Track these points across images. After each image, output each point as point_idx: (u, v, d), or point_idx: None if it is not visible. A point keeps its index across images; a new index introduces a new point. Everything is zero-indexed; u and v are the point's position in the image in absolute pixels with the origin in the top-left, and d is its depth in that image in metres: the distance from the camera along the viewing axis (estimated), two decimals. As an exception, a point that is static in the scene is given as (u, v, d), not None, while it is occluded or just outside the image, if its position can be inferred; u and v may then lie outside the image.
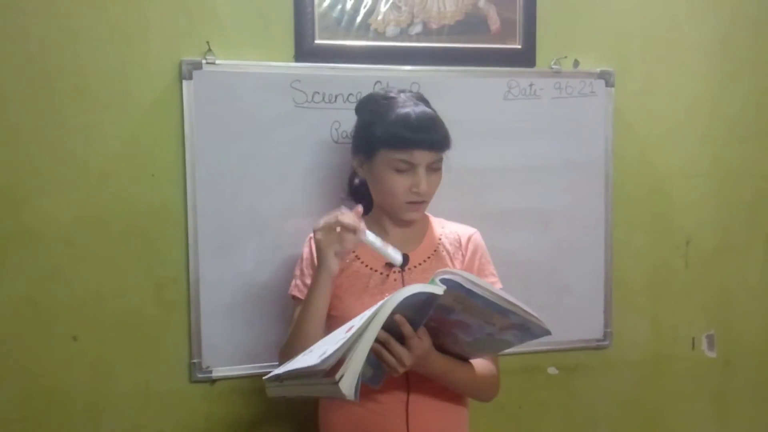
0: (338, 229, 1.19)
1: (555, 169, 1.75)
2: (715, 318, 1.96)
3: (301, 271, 1.38)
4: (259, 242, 1.57)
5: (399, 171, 1.28)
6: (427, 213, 1.42)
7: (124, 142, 1.52)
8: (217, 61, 1.52)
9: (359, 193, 1.44)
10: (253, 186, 1.56)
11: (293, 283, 1.38)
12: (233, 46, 1.55)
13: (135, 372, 1.56)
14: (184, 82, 1.51)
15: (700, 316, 1.95)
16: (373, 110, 1.33)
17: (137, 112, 1.52)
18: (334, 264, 1.20)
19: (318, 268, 1.23)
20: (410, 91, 1.39)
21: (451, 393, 1.30)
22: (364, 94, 1.58)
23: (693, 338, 1.95)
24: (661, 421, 1.94)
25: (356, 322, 1.03)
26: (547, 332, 1.14)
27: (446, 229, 1.43)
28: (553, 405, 1.85)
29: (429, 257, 1.36)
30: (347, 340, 0.97)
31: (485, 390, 1.34)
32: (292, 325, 1.30)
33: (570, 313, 1.78)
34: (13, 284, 1.48)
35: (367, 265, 1.34)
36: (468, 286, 1.06)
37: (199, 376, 1.57)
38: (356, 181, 1.45)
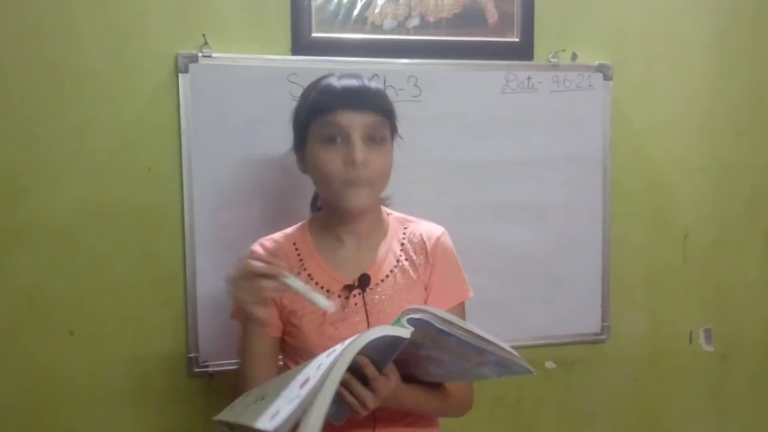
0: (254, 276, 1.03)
1: (553, 162, 1.74)
2: (713, 312, 1.96)
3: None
4: (255, 236, 1.55)
5: (329, 141, 1.13)
6: (389, 212, 1.31)
7: (121, 136, 1.51)
8: (213, 55, 1.51)
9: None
10: (249, 180, 1.56)
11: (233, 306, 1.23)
12: (230, 39, 1.54)
13: (132, 367, 1.56)
14: (180, 76, 1.50)
15: (698, 310, 1.95)
16: (302, 95, 1.22)
17: (133, 106, 1.51)
18: (261, 314, 1.04)
19: (245, 319, 1.13)
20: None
21: (420, 419, 1.20)
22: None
23: (690, 332, 1.95)
24: (659, 415, 1.94)
25: (311, 372, 0.92)
26: (528, 371, 1.03)
27: (409, 231, 1.27)
28: (551, 399, 1.86)
29: (391, 271, 1.21)
30: (303, 400, 0.87)
31: (457, 410, 1.24)
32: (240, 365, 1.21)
33: (568, 307, 1.79)
34: (9, 279, 1.48)
35: (322, 287, 1.19)
36: (439, 325, 0.95)
37: (197, 370, 1.57)
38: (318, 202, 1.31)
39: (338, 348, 0.93)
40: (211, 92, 1.52)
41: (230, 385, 1.28)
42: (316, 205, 1.33)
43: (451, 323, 0.95)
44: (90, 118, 1.49)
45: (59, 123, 1.48)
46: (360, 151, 1.11)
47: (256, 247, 1.26)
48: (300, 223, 1.31)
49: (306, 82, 1.52)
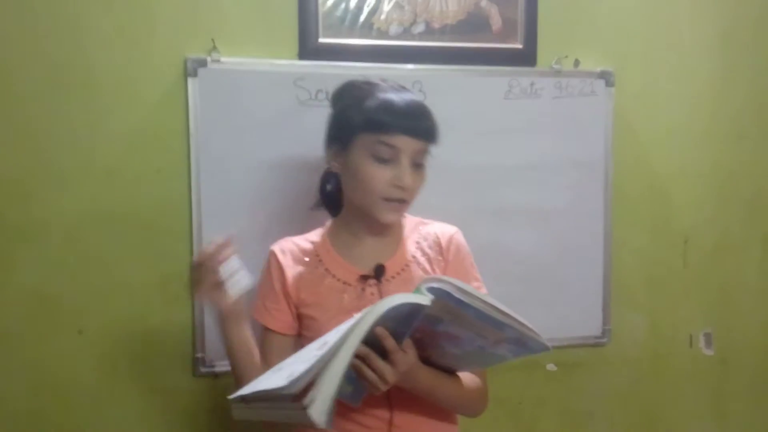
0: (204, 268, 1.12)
1: (555, 168, 1.76)
2: (713, 316, 1.98)
3: (262, 293, 1.27)
4: (262, 239, 1.57)
5: (379, 160, 1.14)
6: (404, 214, 1.31)
7: (130, 138, 1.53)
8: (221, 59, 1.53)
9: (331, 201, 1.32)
10: (256, 183, 1.58)
11: (255, 303, 1.28)
12: (238, 43, 1.57)
13: (140, 366, 1.58)
14: (189, 80, 1.53)
15: (698, 314, 1.97)
16: (353, 95, 1.21)
17: (143, 109, 1.53)
18: (218, 305, 1.14)
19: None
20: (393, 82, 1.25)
21: (438, 410, 1.19)
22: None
23: (691, 336, 1.97)
24: (659, 418, 1.96)
25: (331, 338, 0.91)
26: (546, 348, 1.03)
27: (424, 230, 1.30)
28: (552, 401, 1.87)
29: (407, 265, 1.24)
30: (319, 360, 0.86)
31: (473, 405, 1.23)
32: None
33: (569, 311, 1.80)
34: (19, 278, 1.50)
35: (339, 279, 1.22)
36: (458, 295, 0.95)
37: (203, 370, 1.59)
38: (328, 186, 1.31)
39: (357, 315, 0.92)
40: (220, 96, 1.54)
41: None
42: (324, 189, 1.32)
43: (470, 294, 0.95)
44: (100, 120, 1.51)
45: (69, 125, 1.50)
46: (408, 176, 1.15)
47: (274, 248, 1.30)
48: (318, 229, 1.33)
49: (312, 87, 1.58)
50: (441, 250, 1.27)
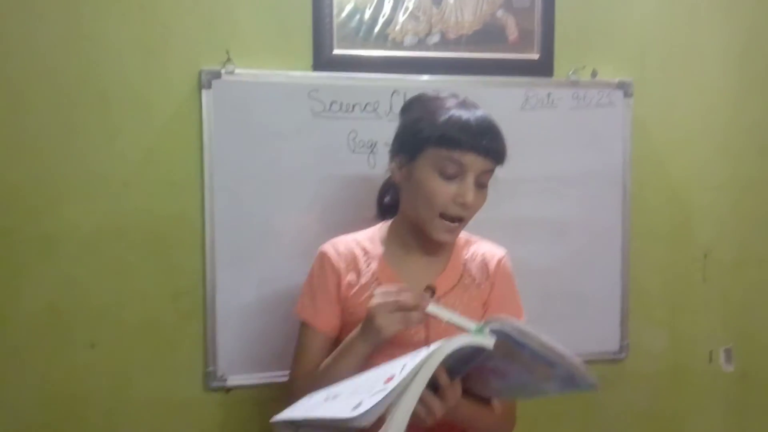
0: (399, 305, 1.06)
1: (572, 179, 1.74)
2: (733, 331, 1.94)
3: (312, 291, 1.28)
4: (275, 251, 1.57)
5: (445, 176, 1.14)
6: None
7: (144, 151, 1.53)
8: (236, 71, 1.53)
9: (390, 213, 1.33)
10: (270, 195, 1.56)
11: (301, 301, 1.29)
12: (252, 55, 1.56)
13: (151, 380, 1.57)
14: (204, 91, 1.52)
15: (718, 329, 1.93)
16: (425, 107, 1.20)
17: (157, 121, 1.53)
18: (389, 337, 1.08)
19: (365, 334, 1.10)
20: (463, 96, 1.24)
21: None
22: (381, 104, 1.60)
23: (710, 352, 1.93)
24: (678, 435, 1.93)
25: (396, 371, 0.91)
26: (594, 387, 0.96)
27: (472, 249, 1.31)
28: (569, 417, 1.84)
29: (455, 286, 1.25)
30: (389, 394, 0.85)
31: (503, 429, 1.25)
32: (322, 369, 1.20)
33: (586, 325, 1.78)
34: (33, 292, 1.49)
35: None
36: (519, 338, 0.93)
37: (215, 384, 1.58)
38: (387, 198, 1.34)
39: (422, 352, 0.92)
40: (234, 107, 1.53)
41: (286, 385, 1.30)
42: (383, 201, 1.37)
43: (530, 335, 0.94)
44: (114, 132, 1.51)
45: (84, 137, 1.49)
46: (471, 194, 1.14)
47: (329, 249, 1.28)
48: (368, 229, 1.32)
49: (327, 98, 1.57)
50: (488, 274, 1.28)
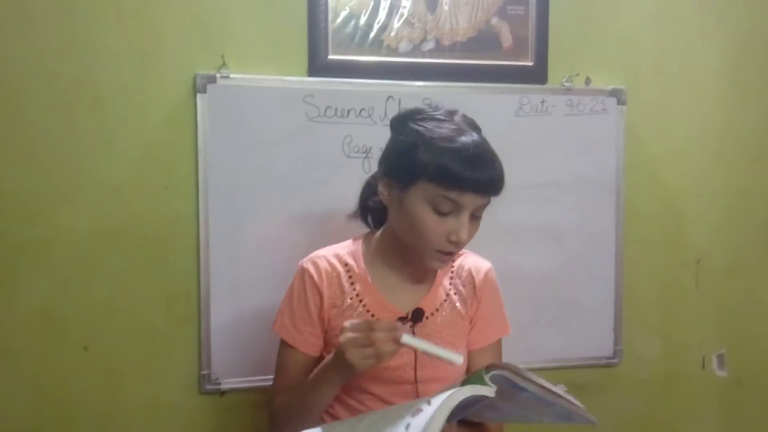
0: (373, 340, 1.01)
1: (566, 185, 1.75)
2: (726, 337, 1.95)
3: (291, 311, 1.23)
4: (269, 255, 1.57)
5: (439, 212, 1.08)
6: None
7: (139, 155, 1.53)
8: (231, 75, 1.53)
9: (372, 215, 1.29)
10: (264, 199, 1.57)
11: (279, 319, 1.25)
12: (247, 60, 1.57)
13: (145, 383, 1.57)
14: (198, 96, 1.52)
15: (711, 335, 1.94)
16: (420, 131, 1.11)
17: (152, 125, 1.53)
18: (362, 372, 1.04)
19: (338, 368, 1.06)
20: (460, 112, 1.17)
21: None
22: (376, 110, 1.61)
23: (703, 357, 1.94)
24: (671, 441, 1.93)
25: (405, 414, 0.92)
26: (592, 422, 0.98)
27: (458, 264, 1.28)
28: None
29: (441, 305, 1.23)
30: None
31: None
32: (297, 393, 1.17)
33: (580, 331, 1.78)
34: (26, 295, 1.49)
35: (374, 315, 1.18)
36: (520, 383, 0.94)
37: (209, 387, 1.58)
38: (370, 202, 1.27)
39: (426, 409, 0.91)
40: (229, 112, 1.54)
41: (266, 400, 1.30)
42: (366, 203, 1.29)
43: (530, 380, 0.94)
44: (108, 137, 1.51)
45: (79, 141, 1.50)
46: (465, 232, 1.09)
47: (309, 266, 1.24)
48: (349, 242, 1.29)
49: (322, 104, 1.57)
50: (474, 289, 1.27)
